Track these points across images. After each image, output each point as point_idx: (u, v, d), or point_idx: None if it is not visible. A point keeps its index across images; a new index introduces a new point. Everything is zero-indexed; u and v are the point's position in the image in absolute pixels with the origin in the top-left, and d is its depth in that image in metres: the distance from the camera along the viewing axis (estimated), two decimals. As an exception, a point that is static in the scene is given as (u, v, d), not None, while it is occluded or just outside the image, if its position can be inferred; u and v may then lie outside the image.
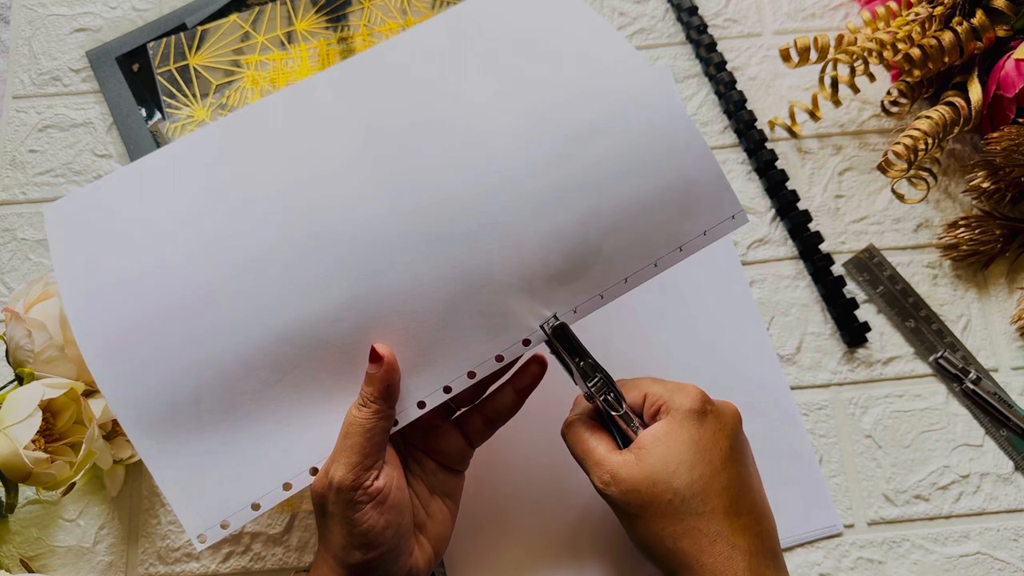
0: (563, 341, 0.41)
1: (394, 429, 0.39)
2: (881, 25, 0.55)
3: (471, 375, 0.40)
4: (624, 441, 0.41)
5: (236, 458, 0.39)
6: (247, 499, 0.39)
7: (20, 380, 0.48)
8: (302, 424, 0.39)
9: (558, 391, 0.50)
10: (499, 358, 0.40)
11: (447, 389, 0.40)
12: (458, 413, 0.44)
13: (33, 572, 0.50)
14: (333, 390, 0.40)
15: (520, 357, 0.42)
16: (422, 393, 0.40)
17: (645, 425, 0.41)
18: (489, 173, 0.40)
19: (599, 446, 0.41)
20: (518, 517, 0.50)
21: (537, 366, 0.43)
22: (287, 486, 0.39)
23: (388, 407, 0.38)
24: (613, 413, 0.41)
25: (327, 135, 0.42)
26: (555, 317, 0.41)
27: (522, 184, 0.40)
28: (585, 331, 0.51)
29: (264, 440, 0.39)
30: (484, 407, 0.43)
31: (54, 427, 0.46)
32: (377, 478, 0.38)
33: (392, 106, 0.42)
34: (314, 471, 0.39)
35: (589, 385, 0.41)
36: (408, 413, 0.40)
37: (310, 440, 0.39)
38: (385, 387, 0.38)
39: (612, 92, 0.41)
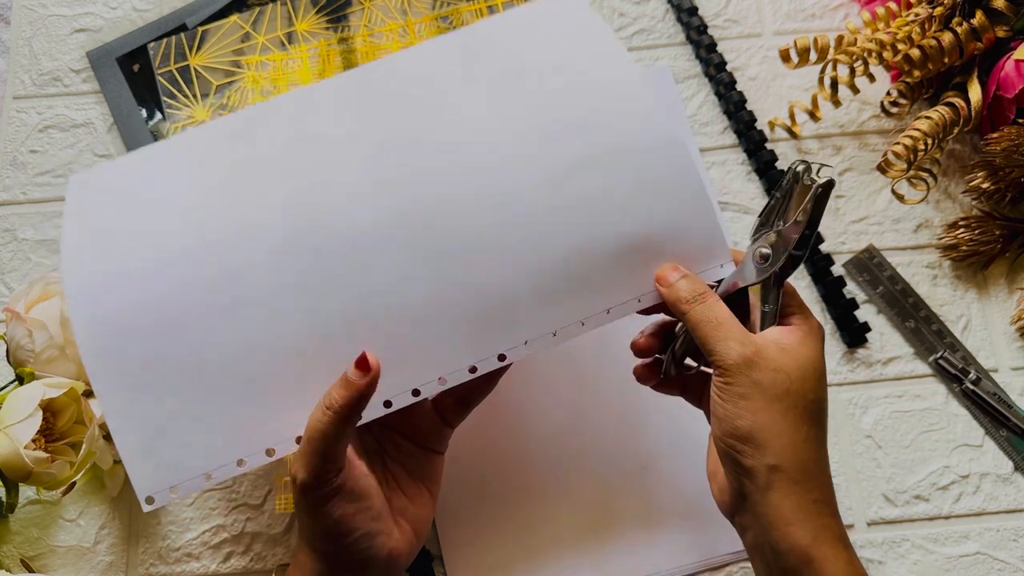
0: (821, 199, 0.38)
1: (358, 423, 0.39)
2: (881, 26, 0.55)
3: (441, 381, 0.40)
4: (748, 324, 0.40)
5: (196, 427, 0.39)
6: (201, 468, 0.39)
7: (20, 380, 0.48)
8: (265, 404, 0.40)
9: (547, 383, 0.50)
10: (472, 369, 0.40)
11: (415, 392, 0.40)
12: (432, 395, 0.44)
13: (33, 572, 0.50)
14: (300, 377, 0.40)
15: (494, 370, 0.41)
16: (390, 393, 0.40)
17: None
18: (489, 192, 0.41)
19: (735, 319, 0.39)
20: (513, 505, 0.50)
21: None
22: (240, 462, 0.39)
23: (355, 415, 0.37)
24: (774, 289, 0.40)
25: (331, 146, 0.42)
26: (818, 171, 0.38)
27: (525, 202, 0.40)
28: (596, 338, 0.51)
29: (225, 413, 0.40)
30: (455, 388, 0.41)
31: (54, 427, 0.46)
32: (338, 475, 0.38)
33: (397, 121, 0.42)
34: (270, 452, 0.40)
35: (793, 251, 0.39)
36: (372, 411, 0.39)
37: (271, 419, 0.40)
38: (360, 398, 0.37)
39: (622, 127, 0.41)
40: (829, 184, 0.38)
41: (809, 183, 0.38)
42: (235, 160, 0.42)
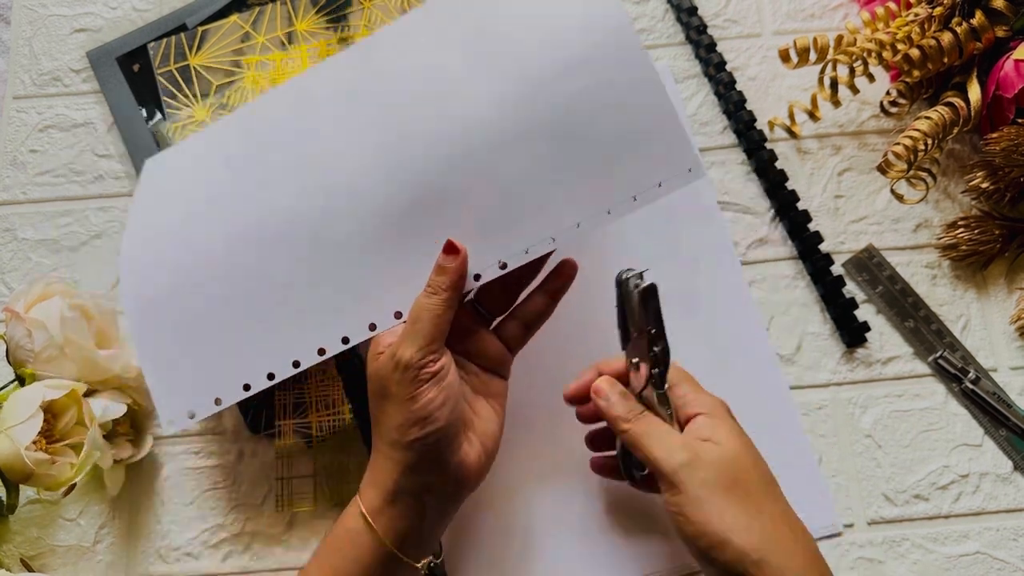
0: (651, 302, 0.41)
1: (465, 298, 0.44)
2: (880, 26, 0.55)
3: (503, 266, 0.43)
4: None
5: (215, 355, 0.45)
6: (212, 393, 0.45)
7: (21, 380, 0.48)
8: (262, 340, 0.45)
9: (548, 383, 0.51)
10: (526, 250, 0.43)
11: (503, 265, 0.43)
12: (496, 322, 0.47)
13: (34, 572, 0.50)
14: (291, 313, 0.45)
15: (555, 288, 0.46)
16: (479, 268, 0.43)
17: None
18: (469, 122, 0.43)
19: (668, 429, 0.42)
20: (513, 505, 0.50)
21: (568, 268, 0.46)
22: (247, 387, 0.45)
23: (456, 295, 0.42)
24: (659, 392, 0.42)
25: (329, 115, 0.46)
26: (640, 276, 0.41)
27: (494, 124, 0.42)
28: (585, 329, 0.52)
29: (229, 346, 0.45)
30: (518, 312, 0.46)
31: (55, 428, 0.46)
32: (439, 359, 0.41)
33: (383, 83, 0.45)
34: (271, 376, 0.44)
35: (651, 353, 0.41)
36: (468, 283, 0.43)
37: (267, 351, 0.45)
38: (458, 277, 0.42)
39: (577, 40, 0.42)
40: (649, 288, 0.41)
41: (634, 289, 0.41)
42: (246, 149, 0.48)
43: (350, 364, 0.51)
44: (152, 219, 0.49)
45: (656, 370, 0.42)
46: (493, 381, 0.46)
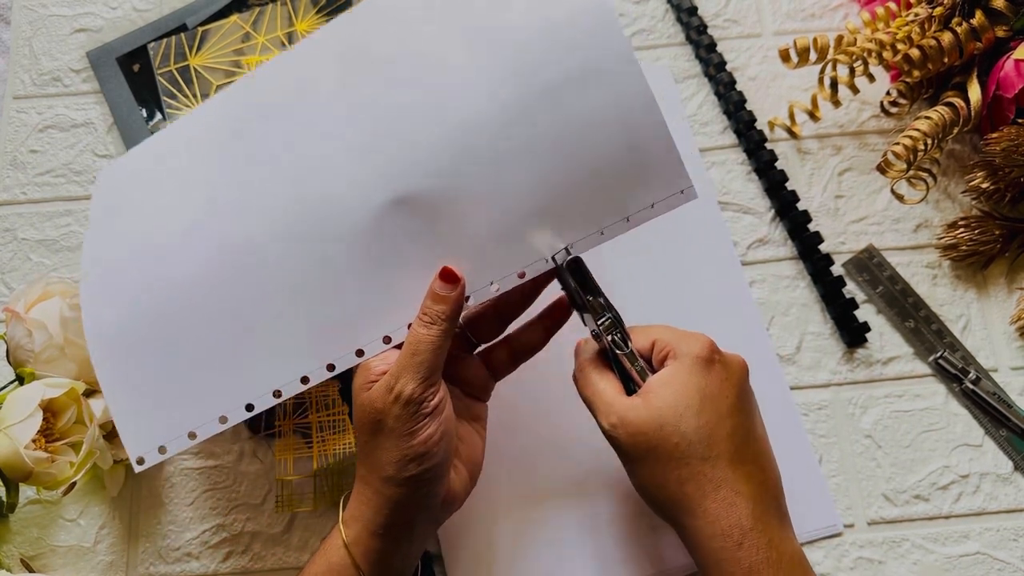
0: (577, 275, 0.41)
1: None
2: (880, 26, 0.55)
3: (517, 277, 0.42)
4: (629, 385, 0.42)
5: (182, 389, 0.43)
6: (185, 428, 0.43)
7: (20, 380, 0.48)
8: (243, 367, 0.43)
9: (548, 383, 0.51)
10: (521, 275, 0.42)
11: (496, 288, 0.42)
12: (481, 348, 0.46)
13: (33, 572, 0.50)
14: (267, 342, 0.43)
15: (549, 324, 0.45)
16: (470, 289, 0.42)
17: (653, 371, 0.42)
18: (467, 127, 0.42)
19: (608, 389, 0.42)
20: (513, 506, 0.50)
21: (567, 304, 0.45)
22: (223, 419, 0.43)
23: (454, 325, 0.40)
24: (618, 352, 0.41)
25: (318, 111, 0.44)
26: (567, 250, 0.41)
27: (491, 132, 0.41)
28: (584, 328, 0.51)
29: (210, 375, 0.43)
30: (510, 341, 0.45)
31: (55, 427, 0.46)
32: (438, 391, 0.40)
33: (380, 78, 0.43)
34: (250, 408, 0.42)
35: (599, 323, 0.41)
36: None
37: (248, 380, 0.43)
38: (456, 307, 0.40)
39: (575, 54, 0.41)
40: (572, 261, 0.41)
41: (560, 263, 0.41)
42: (232, 146, 0.45)
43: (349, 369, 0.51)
44: (113, 237, 0.46)
45: (612, 337, 0.41)
46: (475, 405, 0.45)
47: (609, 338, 0.41)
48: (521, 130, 0.41)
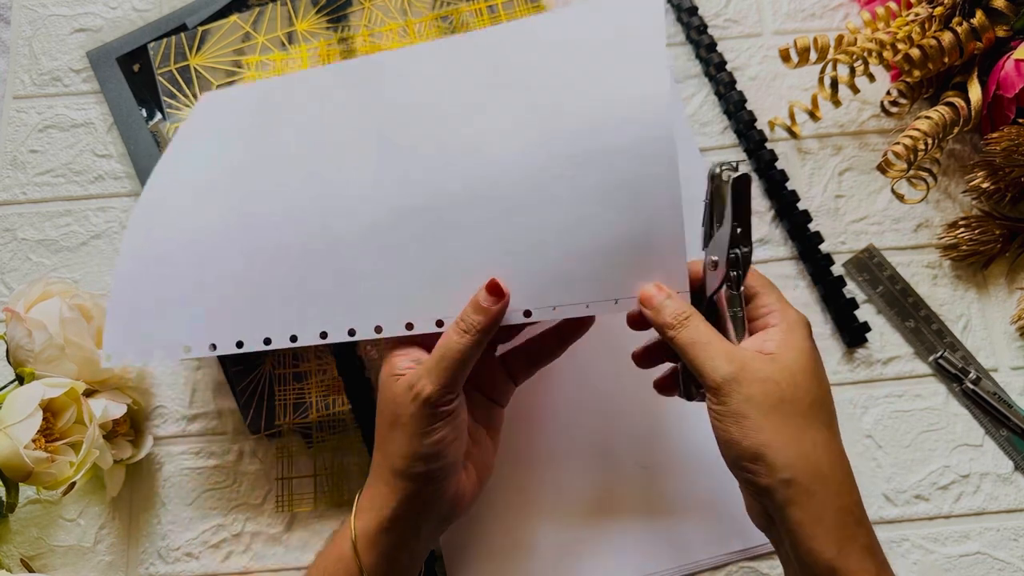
0: (742, 194, 0.39)
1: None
2: (881, 25, 0.55)
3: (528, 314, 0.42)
4: (723, 331, 0.40)
5: (212, 305, 0.45)
6: (181, 340, 0.45)
7: (20, 380, 0.48)
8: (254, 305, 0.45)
9: (548, 385, 0.51)
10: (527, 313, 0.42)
11: (527, 313, 0.42)
12: (502, 351, 0.47)
13: (33, 572, 0.50)
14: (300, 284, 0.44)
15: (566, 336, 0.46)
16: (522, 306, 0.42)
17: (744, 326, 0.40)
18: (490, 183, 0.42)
19: (717, 337, 0.39)
20: (514, 506, 0.50)
21: (588, 320, 0.45)
22: (185, 348, 0.45)
23: (488, 338, 0.40)
24: (733, 293, 0.40)
25: (347, 149, 0.46)
26: (735, 167, 0.39)
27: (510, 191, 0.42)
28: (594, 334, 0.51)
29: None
30: (529, 347, 0.45)
31: (54, 427, 0.46)
32: (456, 397, 0.40)
33: (413, 118, 0.45)
34: (240, 344, 0.44)
35: (731, 252, 0.39)
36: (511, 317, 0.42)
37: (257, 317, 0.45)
38: (495, 322, 0.40)
39: (618, 131, 0.41)
40: (742, 177, 0.38)
41: (726, 180, 0.39)
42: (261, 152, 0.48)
43: (351, 366, 0.51)
44: (187, 158, 0.49)
45: (734, 273, 0.39)
46: (493, 410, 0.46)
47: (735, 274, 0.40)
48: (568, 182, 0.41)
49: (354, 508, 0.42)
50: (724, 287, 0.40)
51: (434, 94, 0.45)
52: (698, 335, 0.39)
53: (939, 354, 0.53)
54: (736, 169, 0.39)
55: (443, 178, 0.43)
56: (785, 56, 0.55)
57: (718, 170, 0.39)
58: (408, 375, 0.40)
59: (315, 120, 0.48)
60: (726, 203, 0.39)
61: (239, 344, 0.44)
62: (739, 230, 0.39)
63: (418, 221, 0.43)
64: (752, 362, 0.38)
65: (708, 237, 0.41)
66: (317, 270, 0.44)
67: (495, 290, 0.40)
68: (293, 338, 0.44)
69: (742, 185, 0.38)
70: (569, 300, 0.41)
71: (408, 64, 0.47)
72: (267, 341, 0.44)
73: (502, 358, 0.46)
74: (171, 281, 0.46)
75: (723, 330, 0.40)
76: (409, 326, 0.42)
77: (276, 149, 0.48)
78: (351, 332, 0.43)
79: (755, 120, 0.58)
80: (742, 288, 0.40)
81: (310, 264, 0.44)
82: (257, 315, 0.44)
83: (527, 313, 0.41)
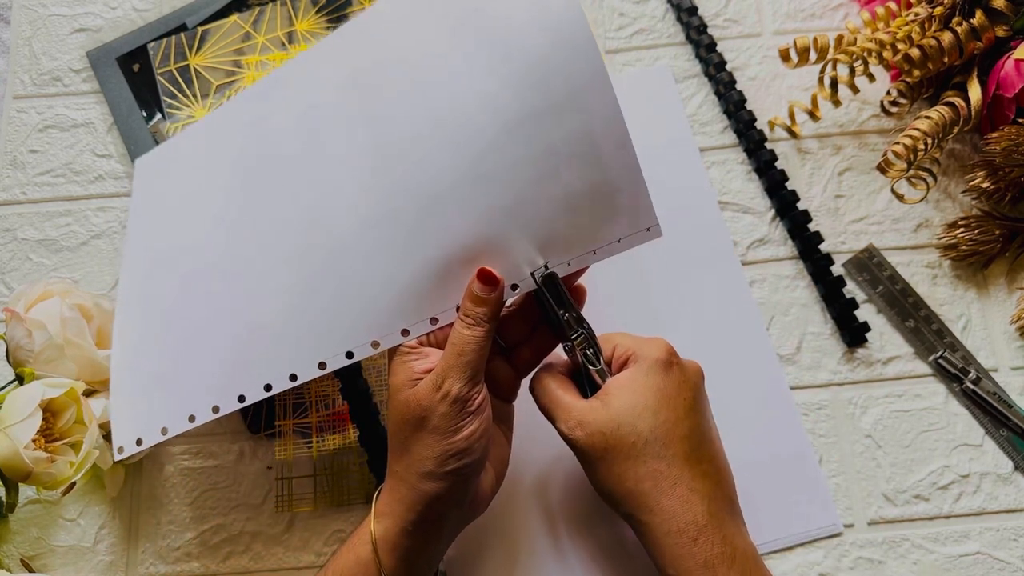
0: (552, 291, 0.41)
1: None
2: (881, 25, 0.55)
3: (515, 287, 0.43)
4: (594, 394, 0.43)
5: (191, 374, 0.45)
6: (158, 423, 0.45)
7: (20, 380, 0.48)
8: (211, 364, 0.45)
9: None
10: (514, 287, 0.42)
11: (514, 287, 0.42)
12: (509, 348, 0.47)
13: (33, 572, 0.50)
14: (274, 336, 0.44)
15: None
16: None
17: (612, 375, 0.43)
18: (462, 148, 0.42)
19: (565, 395, 0.43)
20: (513, 507, 0.50)
21: (578, 294, 0.45)
22: (191, 418, 0.45)
23: (495, 325, 0.41)
24: (591, 368, 0.42)
25: (328, 134, 0.45)
26: (546, 267, 0.41)
27: (475, 158, 0.41)
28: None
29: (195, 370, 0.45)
30: (533, 340, 0.46)
31: (54, 427, 0.46)
32: (481, 390, 0.41)
33: (387, 97, 0.44)
34: (215, 409, 0.44)
35: (572, 337, 0.42)
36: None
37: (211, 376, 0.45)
38: (498, 308, 0.41)
39: (560, 77, 0.41)
40: (547, 276, 0.41)
41: (539, 280, 0.41)
42: (246, 163, 0.47)
43: (356, 389, 0.51)
44: (147, 226, 0.49)
45: (590, 351, 0.42)
46: (504, 406, 0.46)
47: (582, 352, 0.42)
48: (513, 150, 0.41)
49: (372, 512, 0.42)
50: (587, 365, 0.43)
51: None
52: (546, 396, 0.43)
53: (939, 354, 0.53)
54: (547, 268, 0.41)
55: (409, 175, 0.42)
56: (785, 56, 0.55)
57: (538, 274, 0.42)
58: (429, 378, 0.40)
59: (263, 140, 0.47)
60: (548, 302, 0.42)
61: (241, 399, 0.44)
62: (568, 316, 0.42)
63: (389, 225, 0.42)
64: (586, 415, 0.41)
65: (558, 327, 0.43)
66: (306, 303, 0.44)
67: (488, 278, 0.41)
68: (293, 377, 0.43)
69: (550, 282, 0.41)
70: (556, 261, 0.41)
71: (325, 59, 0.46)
72: (267, 387, 0.43)
73: (508, 355, 0.46)
74: (163, 356, 0.46)
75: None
76: (405, 332, 0.42)
77: (229, 180, 0.48)
78: (349, 355, 0.43)
79: (755, 120, 0.58)
80: (601, 361, 0.43)
81: (292, 306, 0.44)
82: (251, 366, 0.44)
83: (514, 287, 0.42)
